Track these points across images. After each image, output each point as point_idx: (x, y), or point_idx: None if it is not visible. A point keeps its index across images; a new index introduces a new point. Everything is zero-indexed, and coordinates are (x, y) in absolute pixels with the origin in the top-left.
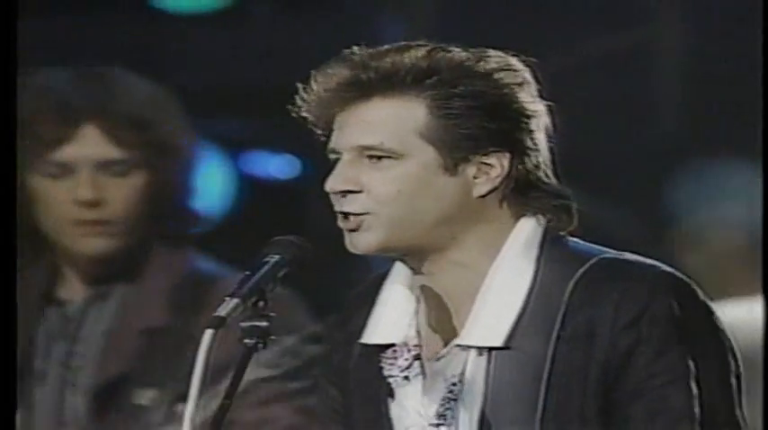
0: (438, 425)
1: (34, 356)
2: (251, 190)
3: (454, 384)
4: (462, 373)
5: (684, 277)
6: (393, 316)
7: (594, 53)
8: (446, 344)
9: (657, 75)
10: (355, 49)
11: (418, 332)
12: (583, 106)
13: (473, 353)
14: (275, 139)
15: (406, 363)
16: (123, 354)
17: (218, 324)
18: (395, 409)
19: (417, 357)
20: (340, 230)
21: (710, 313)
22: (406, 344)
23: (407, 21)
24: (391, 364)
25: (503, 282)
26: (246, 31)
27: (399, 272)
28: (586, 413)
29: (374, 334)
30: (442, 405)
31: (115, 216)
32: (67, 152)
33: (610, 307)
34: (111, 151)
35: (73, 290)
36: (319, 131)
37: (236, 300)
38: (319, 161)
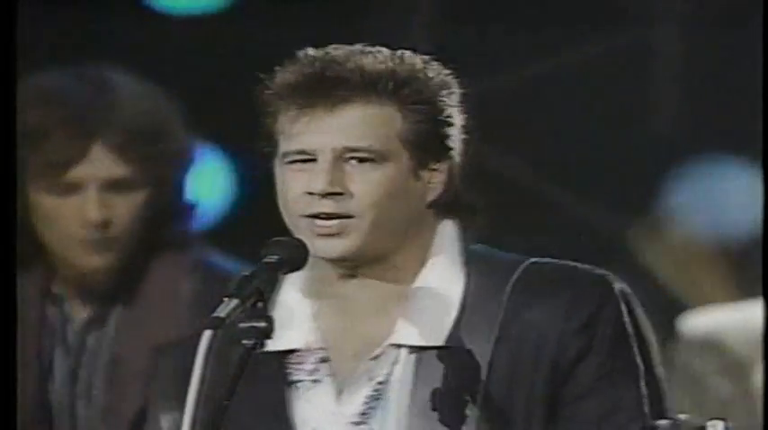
0: (359, 423)
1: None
2: (251, 190)
3: (380, 383)
4: (390, 373)
5: (620, 281)
6: (292, 321)
7: (592, 53)
8: (357, 344)
9: (655, 75)
10: (330, 48)
11: (322, 335)
12: (580, 107)
13: (404, 353)
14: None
15: (313, 367)
16: (133, 377)
17: (217, 325)
18: (299, 411)
19: (324, 359)
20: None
21: (642, 313)
22: (309, 349)
23: (409, 21)
24: (298, 369)
25: (436, 284)
26: (247, 30)
27: (291, 275)
28: (533, 413)
29: (275, 340)
30: (366, 403)
31: (121, 233)
32: (76, 171)
33: (558, 310)
34: (118, 169)
35: (73, 310)
36: (269, 128)
37: (235, 301)
38: None
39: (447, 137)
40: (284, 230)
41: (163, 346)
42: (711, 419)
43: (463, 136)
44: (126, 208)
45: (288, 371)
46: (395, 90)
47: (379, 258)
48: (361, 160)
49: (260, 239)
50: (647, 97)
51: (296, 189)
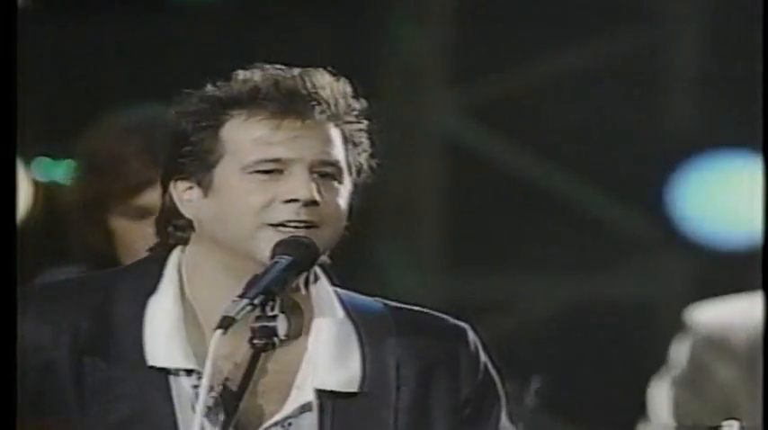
0: None
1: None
2: None
3: (291, 425)
4: (298, 417)
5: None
6: (176, 341)
7: (607, 52)
8: (270, 380)
9: (669, 75)
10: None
11: (202, 360)
12: (594, 107)
13: (315, 396)
14: None
15: (194, 391)
16: None
17: (228, 324)
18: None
19: (210, 387)
20: (349, 230)
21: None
22: (198, 373)
23: (417, 21)
24: (187, 391)
25: (333, 327)
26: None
27: (168, 293)
28: None
29: (161, 357)
30: None
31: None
32: (147, 196)
33: (447, 356)
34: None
35: None
36: (210, 135)
37: (245, 301)
38: None
39: (361, 162)
40: None
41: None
42: (727, 419)
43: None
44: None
45: (175, 387)
46: (337, 110)
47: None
48: (323, 175)
49: None
50: (661, 96)
51: (262, 198)
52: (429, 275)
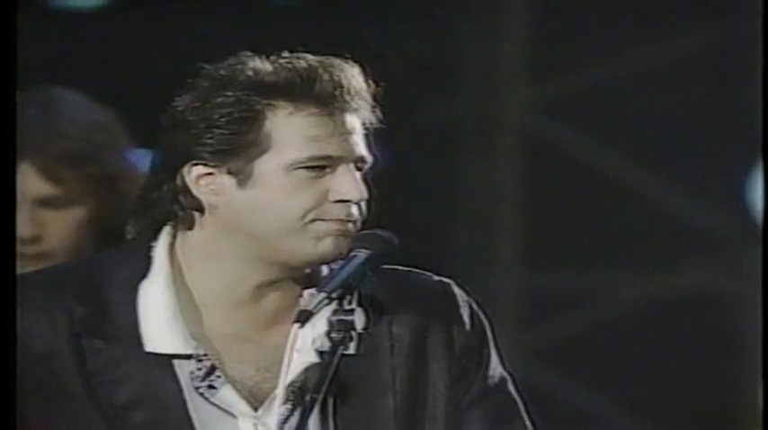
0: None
1: None
2: None
3: (299, 389)
4: (305, 380)
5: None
6: (176, 326)
7: (684, 48)
8: (271, 355)
9: (747, 69)
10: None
11: (205, 343)
12: (671, 102)
13: (315, 360)
14: None
15: (202, 373)
16: None
17: (306, 318)
18: (201, 412)
19: (213, 367)
20: (422, 225)
21: None
22: (197, 355)
23: (488, 19)
24: (193, 375)
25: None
26: (328, 26)
27: (161, 277)
28: (435, 415)
29: (159, 343)
30: (289, 411)
31: (55, 249)
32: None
33: (437, 315)
34: (46, 188)
35: None
36: (255, 130)
37: (322, 295)
38: (399, 156)
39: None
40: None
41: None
42: None
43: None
44: (59, 224)
45: (180, 371)
46: (367, 99)
47: None
48: (360, 168)
49: None
50: (739, 90)
51: (312, 195)
52: (505, 270)
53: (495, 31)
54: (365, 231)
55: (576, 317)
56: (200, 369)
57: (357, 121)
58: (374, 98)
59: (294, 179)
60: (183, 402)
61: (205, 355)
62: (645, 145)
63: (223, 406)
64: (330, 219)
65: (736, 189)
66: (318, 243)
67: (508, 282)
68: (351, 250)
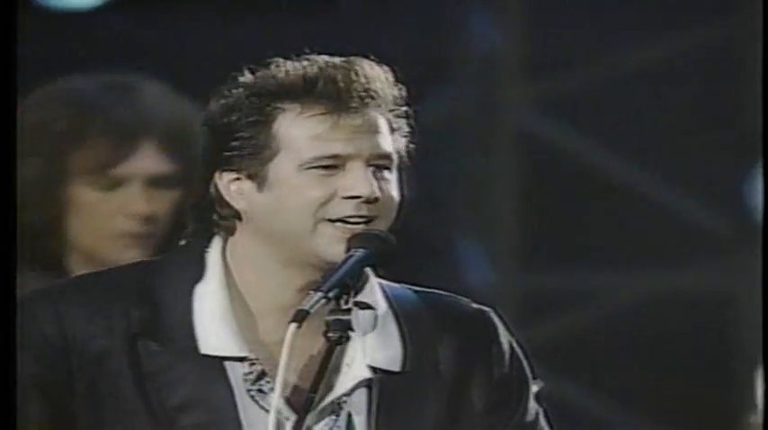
0: None
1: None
2: None
3: (344, 403)
4: (349, 396)
5: None
6: (228, 329)
7: (685, 47)
8: (315, 363)
9: (746, 68)
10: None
11: (254, 346)
12: (671, 101)
13: (363, 375)
14: None
15: (253, 377)
16: None
17: (302, 317)
18: (251, 415)
19: (264, 372)
20: (423, 225)
21: None
22: (248, 359)
23: (494, 17)
24: (243, 377)
25: (373, 306)
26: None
27: (215, 281)
28: None
29: (212, 345)
30: (334, 420)
31: (162, 230)
32: (123, 167)
33: (486, 341)
34: (164, 165)
35: None
36: (264, 130)
37: (319, 294)
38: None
39: (405, 147)
40: None
41: None
42: None
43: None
44: (167, 205)
45: (232, 374)
46: (388, 100)
47: None
48: (379, 167)
49: None
50: (739, 90)
51: (322, 193)
52: (503, 270)
53: (492, 29)
54: (362, 230)
55: (576, 317)
56: (251, 372)
57: (371, 120)
58: (397, 96)
59: (305, 178)
60: (234, 405)
61: (257, 360)
62: (645, 144)
63: (268, 410)
64: (341, 219)
65: (736, 189)
66: (331, 245)
67: (506, 283)
68: (348, 249)
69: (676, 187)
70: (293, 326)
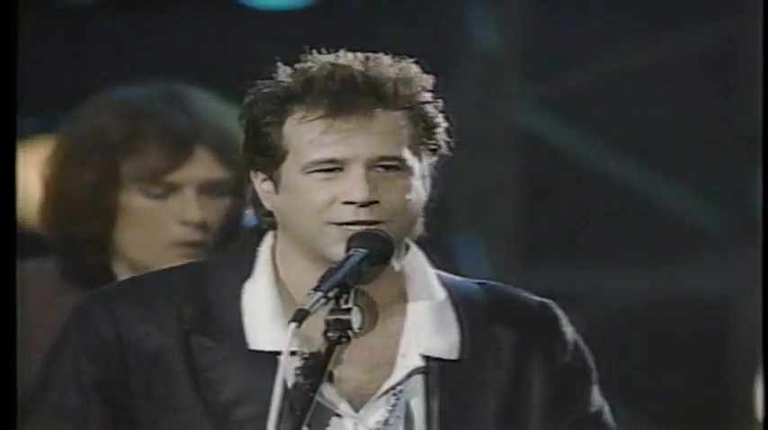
0: None
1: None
2: None
3: (401, 392)
4: (405, 384)
5: None
6: (279, 322)
7: (685, 46)
8: (371, 355)
9: (747, 67)
10: (337, 56)
11: (305, 340)
12: (671, 100)
13: (419, 364)
14: None
15: (305, 372)
16: None
17: (302, 317)
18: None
19: (315, 366)
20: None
21: None
22: (300, 352)
23: (494, 20)
24: (297, 374)
25: (431, 299)
26: (332, 24)
27: (264, 277)
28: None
29: (262, 340)
30: (389, 412)
31: (214, 238)
32: (177, 174)
33: (549, 335)
34: (218, 172)
35: None
36: (271, 135)
37: (319, 294)
38: None
39: (438, 141)
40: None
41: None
42: None
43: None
44: (218, 212)
45: (283, 369)
46: (401, 96)
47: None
48: (387, 168)
49: None
50: (738, 89)
51: (324, 198)
52: (503, 267)
53: (492, 27)
54: (361, 230)
55: (576, 315)
56: (304, 367)
57: (374, 121)
58: (416, 93)
59: (309, 182)
60: (287, 397)
61: (310, 354)
62: (646, 144)
63: (325, 404)
64: (342, 223)
65: (736, 189)
66: (333, 247)
67: (506, 280)
68: (348, 249)
69: (677, 186)
70: (293, 325)
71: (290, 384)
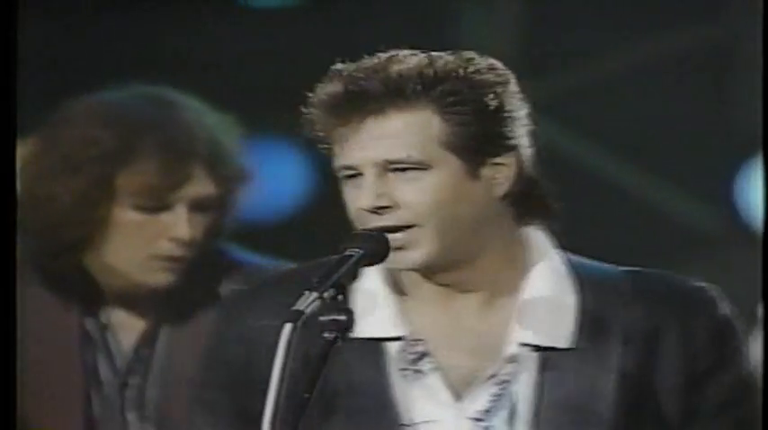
0: (479, 420)
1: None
2: (331, 184)
3: (505, 382)
4: (515, 373)
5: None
6: (387, 309)
7: (677, 47)
8: (466, 342)
9: (730, 71)
10: (350, 64)
11: (416, 328)
12: (662, 101)
13: (527, 353)
14: None
15: (414, 357)
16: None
17: (297, 317)
18: (405, 398)
19: (425, 352)
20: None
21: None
22: (409, 339)
23: (483, 18)
24: (400, 358)
25: (548, 289)
26: (327, 25)
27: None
28: (659, 421)
29: (368, 327)
30: (492, 401)
31: (195, 253)
32: (171, 190)
33: (683, 323)
34: (210, 188)
35: (122, 324)
36: (324, 145)
37: (314, 294)
38: None
39: (502, 132)
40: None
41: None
42: None
43: (528, 127)
44: (206, 228)
45: (388, 357)
46: (426, 92)
47: (461, 263)
48: (403, 170)
49: (334, 233)
50: (729, 90)
51: (352, 205)
52: None
53: (488, 29)
54: (357, 231)
55: None
56: (411, 353)
57: (388, 123)
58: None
59: (345, 187)
60: (390, 385)
61: (419, 340)
62: (642, 143)
63: (426, 393)
64: (374, 228)
65: (736, 189)
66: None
67: None
68: (344, 250)
69: (672, 187)
70: (289, 326)
71: (395, 372)
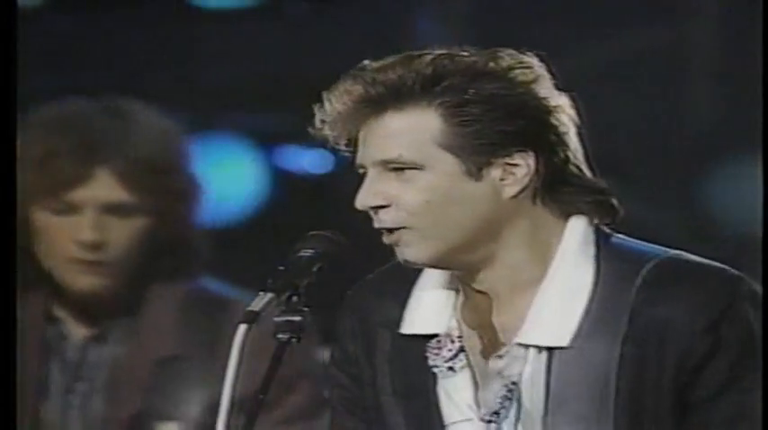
0: (490, 421)
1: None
2: (284, 184)
3: (514, 383)
4: (520, 373)
5: (751, 281)
6: (434, 306)
7: (627, 50)
8: (486, 341)
9: (690, 72)
10: (365, 63)
11: (459, 324)
12: (615, 104)
13: (532, 352)
14: (309, 134)
15: (450, 354)
16: (135, 390)
17: (252, 319)
18: (443, 400)
19: (462, 349)
20: (373, 226)
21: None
22: (449, 335)
23: (440, 19)
24: (435, 355)
25: (564, 282)
26: (281, 26)
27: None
28: (660, 413)
29: (415, 323)
30: (500, 403)
31: (115, 257)
32: (78, 192)
33: (685, 309)
34: (120, 195)
35: (72, 328)
36: (344, 148)
37: (269, 295)
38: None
39: (517, 131)
40: (318, 225)
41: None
42: None
43: (568, 122)
44: (122, 232)
45: (427, 355)
46: (423, 93)
47: (474, 259)
48: (402, 170)
49: (293, 235)
50: (681, 95)
51: (357, 204)
52: None
53: (441, 31)
54: (313, 232)
55: None
56: (449, 349)
57: (384, 123)
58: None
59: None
60: (435, 379)
61: (459, 337)
62: (643, 144)
63: (450, 389)
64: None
65: (688, 191)
66: (396, 252)
67: None
68: (298, 250)
69: (630, 189)
70: (243, 327)
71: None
